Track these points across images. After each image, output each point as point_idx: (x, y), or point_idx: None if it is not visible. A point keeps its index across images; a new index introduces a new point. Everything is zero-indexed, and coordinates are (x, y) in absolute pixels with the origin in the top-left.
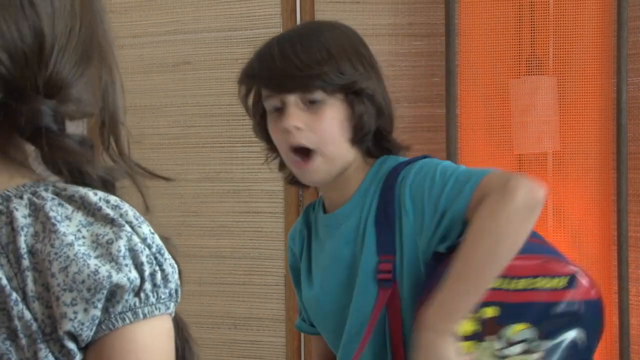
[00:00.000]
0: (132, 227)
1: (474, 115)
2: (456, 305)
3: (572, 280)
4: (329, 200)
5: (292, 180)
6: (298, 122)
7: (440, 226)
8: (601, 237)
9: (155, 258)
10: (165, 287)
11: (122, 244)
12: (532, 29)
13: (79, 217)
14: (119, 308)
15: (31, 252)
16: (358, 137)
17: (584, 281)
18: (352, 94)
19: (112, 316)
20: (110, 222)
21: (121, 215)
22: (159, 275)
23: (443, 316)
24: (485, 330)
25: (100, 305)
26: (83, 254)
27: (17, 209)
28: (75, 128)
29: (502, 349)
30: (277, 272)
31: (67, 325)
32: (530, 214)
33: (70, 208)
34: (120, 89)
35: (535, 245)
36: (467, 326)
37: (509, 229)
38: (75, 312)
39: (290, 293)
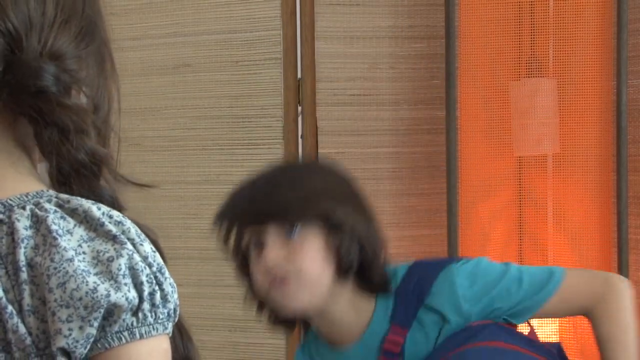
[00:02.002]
0: (133, 245)
1: (473, 118)
2: None
3: None
4: (333, 334)
5: (276, 320)
6: (277, 256)
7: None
8: (601, 240)
9: (156, 277)
10: (164, 307)
11: (122, 262)
12: (532, 31)
13: (80, 231)
14: (116, 327)
15: (30, 264)
16: (340, 270)
17: None
18: (330, 225)
19: (109, 335)
20: (112, 238)
21: (123, 232)
22: (158, 295)
23: None
24: None
25: (96, 324)
26: (82, 270)
27: (18, 220)
28: None
29: None
30: None
31: (61, 342)
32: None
33: (72, 222)
34: (117, 92)
35: None
36: None
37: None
38: (70, 329)
39: None
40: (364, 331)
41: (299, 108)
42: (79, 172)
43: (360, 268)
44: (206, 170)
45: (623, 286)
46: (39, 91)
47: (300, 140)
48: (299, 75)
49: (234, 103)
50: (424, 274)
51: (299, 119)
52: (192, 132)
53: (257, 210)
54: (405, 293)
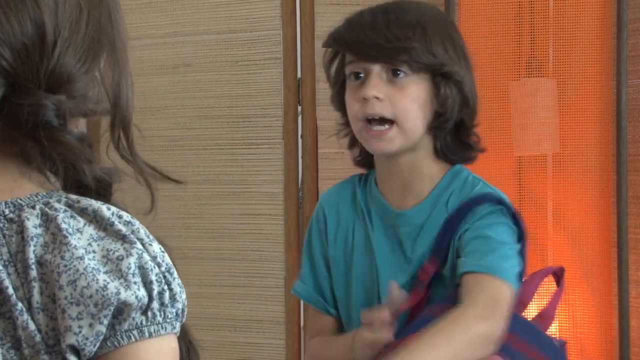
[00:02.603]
0: (143, 245)
1: None
2: None
3: None
4: (389, 186)
5: (360, 161)
6: (379, 92)
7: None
8: (601, 240)
9: (164, 277)
10: (173, 306)
11: (132, 261)
12: (532, 30)
13: (90, 230)
14: (125, 326)
15: (39, 262)
16: (438, 122)
17: None
18: (439, 75)
19: (118, 333)
20: (122, 238)
21: (133, 232)
22: (167, 295)
23: None
24: None
25: (106, 322)
26: (93, 268)
27: (28, 219)
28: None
29: None
30: (277, 274)
31: (71, 339)
32: (484, 350)
33: (82, 221)
34: (132, 88)
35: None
36: None
37: (463, 352)
38: (80, 327)
39: (290, 295)
40: (416, 204)
41: (299, 108)
42: (85, 194)
43: (453, 126)
44: (206, 170)
45: (486, 327)
46: (34, 126)
47: (300, 139)
48: (299, 75)
49: (233, 103)
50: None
51: (299, 118)
52: (192, 132)
53: (370, 45)
54: (451, 223)
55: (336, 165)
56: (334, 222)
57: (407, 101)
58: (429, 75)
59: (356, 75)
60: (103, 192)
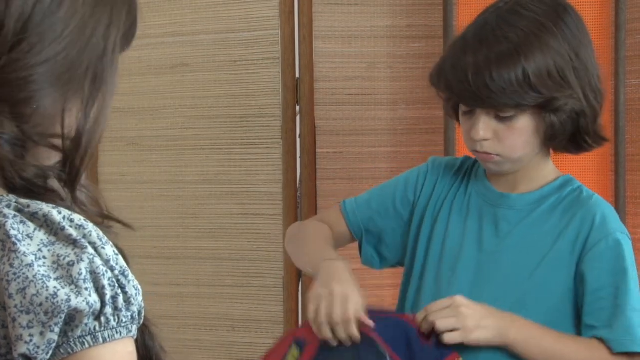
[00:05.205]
0: (95, 249)
1: None
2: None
3: None
4: (497, 176)
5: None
6: (486, 133)
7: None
8: None
9: (118, 280)
10: (128, 310)
11: (83, 266)
12: None
13: (40, 235)
14: (78, 332)
15: None
16: (548, 142)
17: None
18: (546, 108)
19: (71, 340)
20: (73, 243)
21: (84, 236)
22: (121, 299)
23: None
24: None
25: (57, 329)
26: (43, 275)
27: None
28: None
29: None
30: (275, 274)
31: (23, 348)
32: None
33: (32, 226)
34: (102, 131)
35: None
36: None
37: None
38: (31, 335)
39: (289, 295)
40: (523, 193)
41: (297, 107)
42: (20, 191)
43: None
44: (204, 169)
45: None
46: None
47: (298, 139)
48: (297, 75)
49: (232, 103)
50: None
51: (297, 118)
52: (190, 132)
53: (474, 97)
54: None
55: (335, 165)
56: (430, 187)
57: (515, 137)
58: (536, 109)
59: (467, 111)
60: (36, 189)
